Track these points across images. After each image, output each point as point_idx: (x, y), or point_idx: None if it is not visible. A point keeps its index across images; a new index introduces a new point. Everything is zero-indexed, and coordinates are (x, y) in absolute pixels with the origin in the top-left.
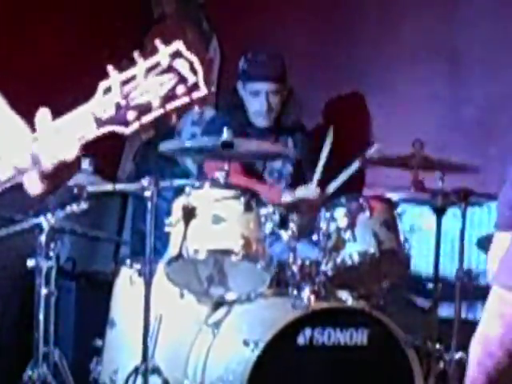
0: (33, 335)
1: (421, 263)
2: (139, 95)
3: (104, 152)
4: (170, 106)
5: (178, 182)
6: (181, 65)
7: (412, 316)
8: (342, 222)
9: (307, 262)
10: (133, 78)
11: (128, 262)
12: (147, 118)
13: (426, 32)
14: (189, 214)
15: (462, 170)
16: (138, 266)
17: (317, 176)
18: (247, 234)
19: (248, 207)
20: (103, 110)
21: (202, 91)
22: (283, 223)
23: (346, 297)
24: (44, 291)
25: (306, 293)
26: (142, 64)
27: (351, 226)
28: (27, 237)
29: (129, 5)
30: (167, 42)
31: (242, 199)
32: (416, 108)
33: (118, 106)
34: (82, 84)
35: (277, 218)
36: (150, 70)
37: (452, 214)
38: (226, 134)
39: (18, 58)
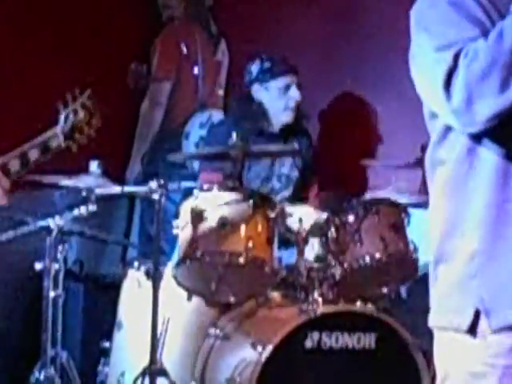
0: (40, 337)
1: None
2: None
3: (112, 154)
4: (91, 131)
5: (185, 184)
6: (91, 106)
7: (420, 319)
8: (351, 225)
9: (315, 266)
10: (76, 111)
11: (136, 264)
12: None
13: None
14: (197, 216)
15: None
16: (145, 269)
17: None
18: (255, 237)
19: (256, 210)
20: (67, 128)
21: (100, 123)
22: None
23: (353, 300)
24: (52, 293)
25: (314, 296)
26: (77, 103)
27: (359, 229)
28: (35, 239)
29: (136, 8)
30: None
31: (250, 202)
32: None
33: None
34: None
35: (285, 220)
36: (82, 106)
37: None
38: (234, 138)
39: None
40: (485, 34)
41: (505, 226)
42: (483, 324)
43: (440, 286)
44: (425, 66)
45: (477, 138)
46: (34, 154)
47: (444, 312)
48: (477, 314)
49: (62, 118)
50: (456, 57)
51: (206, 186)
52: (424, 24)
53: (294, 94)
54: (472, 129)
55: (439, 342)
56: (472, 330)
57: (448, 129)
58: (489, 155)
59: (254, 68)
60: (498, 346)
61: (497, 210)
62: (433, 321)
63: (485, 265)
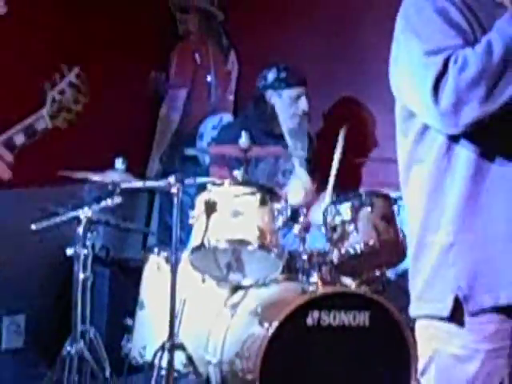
0: (71, 315)
1: None
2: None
3: (135, 153)
4: (79, 107)
5: (200, 179)
6: (79, 83)
7: (409, 300)
8: (347, 215)
9: (315, 252)
10: (63, 91)
11: (155, 250)
12: (71, 116)
13: None
14: (210, 208)
15: None
16: (164, 254)
17: (331, 184)
18: (262, 226)
19: (263, 202)
20: (54, 109)
21: (87, 98)
22: (294, 216)
23: (349, 282)
24: (81, 276)
25: (314, 279)
26: (64, 82)
27: (354, 219)
28: (67, 228)
29: (156, 22)
30: (191, 55)
31: (258, 195)
32: None
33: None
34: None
35: (288, 211)
36: (69, 85)
37: None
38: (243, 138)
39: None
40: (467, 43)
41: (478, 217)
42: (462, 309)
43: (420, 277)
44: (411, 68)
45: (454, 137)
46: (20, 139)
47: (426, 301)
48: (456, 301)
49: (48, 99)
50: (445, 62)
51: (218, 181)
52: (412, 29)
53: (303, 104)
54: (454, 131)
55: (422, 330)
56: (453, 315)
57: (425, 129)
58: (465, 152)
59: (271, 75)
60: (480, 332)
61: (470, 203)
62: (415, 310)
63: (460, 255)
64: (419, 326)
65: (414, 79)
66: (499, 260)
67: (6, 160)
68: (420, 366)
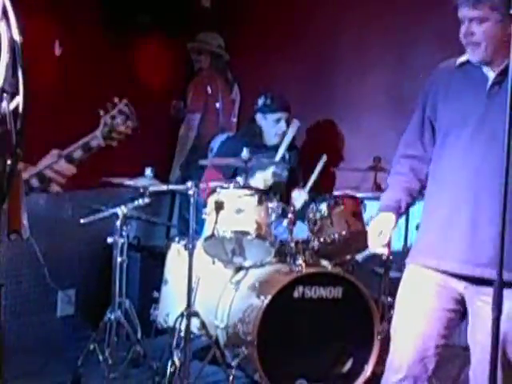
0: (111, 289)
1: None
2: (117, 124)
3: (160, 163)
4: (128, 130)
5: (211, 184)
6: (127, 111)
7: (373, 278)
8: (324, 212)
9: (300, 240)
10: (114, 116)
11: (176, 239)
12: (121, 136)
13: (384, 84)
14: (219, 206)
15: None
16: (183, 242)
17: (309, 185)
18: (259, 221)
19: (260, 202)
20: (105, 130)
21: (135, 123)
22: (284, 213)
23: (327, 264)
24: (119, 259)
25: (300, 261)
26: (115, 110)
27: (330, 215)
28: (107, 222)
29: (177, 62)
30: (204, 87)
31: (256, 196)
32: (376, 134)
33: (111, 129)
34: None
35: (279, 209)
36: (119, 112)
37: None
38: (245, 152)
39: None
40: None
41: (428, 210)
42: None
43: None
44: None
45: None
46: (78, 154)
47: None
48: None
49: (101, 122)
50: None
51: (225, 185)
52: None
53: (282, 126)
54: None
55: None
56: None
57: None
58: (432, 164)
59: (260, 102)
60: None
61: (427, 202)
62: None
63: (419, 234)
64: None
65: None
66: (433, 240)
67: (72, 172)
68: None
